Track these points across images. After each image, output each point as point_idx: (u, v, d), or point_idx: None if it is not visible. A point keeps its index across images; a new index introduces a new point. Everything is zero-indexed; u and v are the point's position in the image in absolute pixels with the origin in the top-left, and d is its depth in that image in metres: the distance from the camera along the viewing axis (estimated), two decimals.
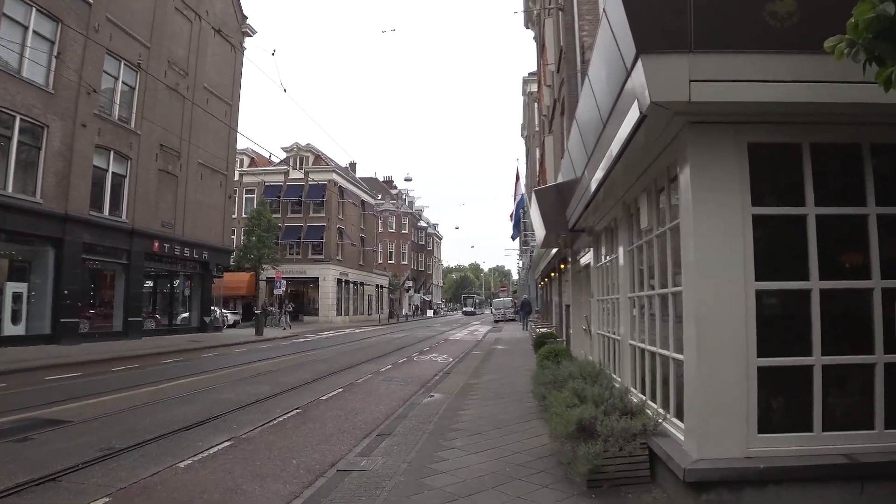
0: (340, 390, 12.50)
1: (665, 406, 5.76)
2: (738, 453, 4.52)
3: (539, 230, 12.67)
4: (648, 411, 6.00)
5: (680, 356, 5.18)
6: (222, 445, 7.76)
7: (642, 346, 6.72)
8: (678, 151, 5.01)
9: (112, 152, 25.00)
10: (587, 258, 12.02)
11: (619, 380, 7.83)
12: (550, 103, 21.65)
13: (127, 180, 26.03)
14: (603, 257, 9.59)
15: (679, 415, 5.31)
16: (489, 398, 10.81)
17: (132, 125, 26.15)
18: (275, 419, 9.40)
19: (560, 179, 11.01)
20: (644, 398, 6.45)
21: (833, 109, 4.40)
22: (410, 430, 8.36)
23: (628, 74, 4.53)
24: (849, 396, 4.78)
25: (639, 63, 4.25)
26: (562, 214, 10.86)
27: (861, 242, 4.74)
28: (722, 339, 4.58)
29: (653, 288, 6.25)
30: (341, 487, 5.90)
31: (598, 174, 6.61)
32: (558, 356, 10.30)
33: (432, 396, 11.28)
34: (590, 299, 11.77)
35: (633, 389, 7.06)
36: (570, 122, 14.66)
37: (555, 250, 17.14)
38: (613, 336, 8.63)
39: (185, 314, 31.80)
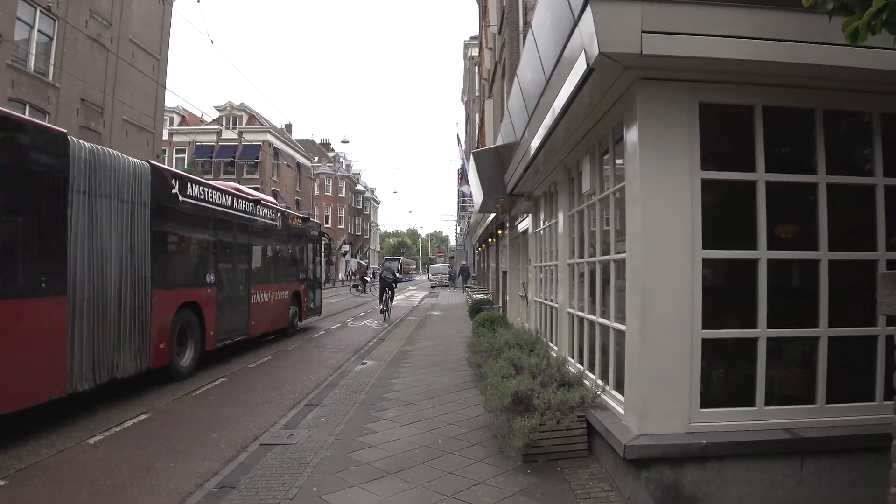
0: (270, 357, 12.03)
1: (604, 377, 5.55)
2: (680, 428, 4.33)
3: (477, 194, 12.35)
4: (587, 382, 5.80)
5: (621, 326, 4.95)
6: (139, 418, 7.26)
7: (581, 314, 6.50)
8: (626, 110, 4.69)
9: (28, 106, 23.10)
10: (525, 224, 11.79)
11: (557, 349, 7.64)
12: (491, 66, 21.22)
13: None
14: (542, 223, 9.34)
15: (619, 387, 5.10)
16: (423, 366, 10.53)
17: (50, 77, 24.32)
18: (197, 389, 8.89)
19: (500, 142, 10.67)
20: (582, 368, 6.25)
21: (790, 71, 4.14)
22: (340, 400, 8.00)
23: (575, 23, 4.17)
24: (792, 370, 4.64)
25: (588, 10, 3.89)
26: (500, 178, 10.56)
27: (810, 212, 4.56)
28: (666, 309, 4.34)
29: (594, 255, 6.00)
30: (263, 463, 5.52)
31: (539, 135, 6.29)
32: (494, 323, 10.07)
33: (365, 364, 10.93)
34: (527, 266, 11.57)
35: (570, 359, 6.86)
36: (511, 83, 14.30)
37: (493, 215, 16.90)
38: (551, 304, 8.43)
39: None
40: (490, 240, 22.00)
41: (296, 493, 4.76)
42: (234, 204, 12.34)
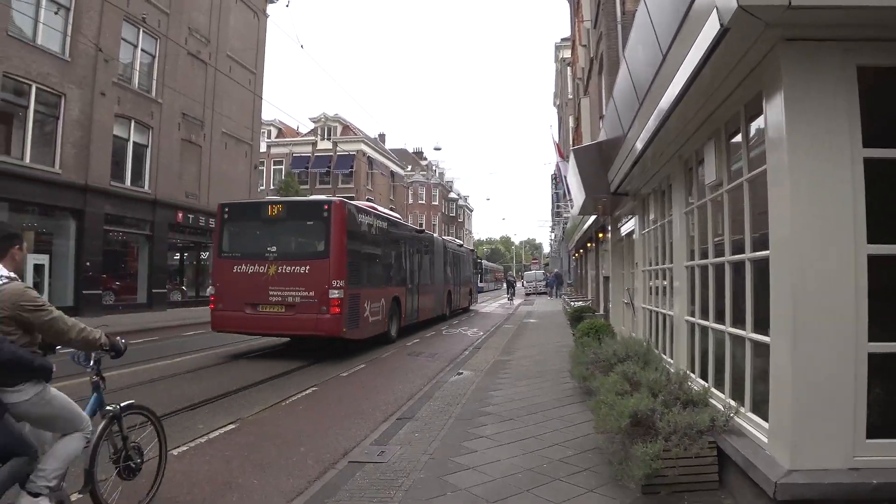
0: (363, 366, 11.72)
1: (737, 397, 4.75)
2: (842, 463, 3.54)
3: (577, 194, 11.64)
4: (714, 402, 5.04)
5: (761, 337, 4.18)
6: (225, 429, 7.01)
7: (704, 323, 5.70)
8: (766, 80, 3.95)
9: (133, 122, 24.38)
10: (629, 226, 10.98)
11: (672, 361, 6.86)
12: (586, 64, 20.41)
13: (149, 150, 25.43)
14: (650, 223, 8.56)
15: (758, 409, 4.32)
16: (522, 377, 9.90)
17: (153, 94, 25.46)
18: (288, 398, 8.64)
19: (602, 137, 9.94)
20: (706, 385, 5.45)
21: None
22: (435, 413, 7.50)
23: None
24: None
25: None
26: (603, 177, 9.83)
27: None
28: (823, 317, 3.57)
29: (721, 254, 5.21)
30: (351, 484, 5.07)
31: (652, 123, 5.59)
32: (599, 332, 9.32)
33: (460, 374, 10.42)
34: (632, 271, 10.74)
35: (691, 374, 6.06)
36: (609, 77, 13.53)
37: (592, 219, 16.09)
38: (663, 311, 7.64)
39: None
40: (589, 244, 21.09)
41: None
42: (459, 247, 30.29)
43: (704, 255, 5.73)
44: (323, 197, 15.84)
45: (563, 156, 26.15)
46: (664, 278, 7.62)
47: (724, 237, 5.09)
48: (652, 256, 8.53)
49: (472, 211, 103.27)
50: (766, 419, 4.09)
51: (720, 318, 5.23)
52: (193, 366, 11.42)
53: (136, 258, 25.88)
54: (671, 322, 7.10)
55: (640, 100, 6.12)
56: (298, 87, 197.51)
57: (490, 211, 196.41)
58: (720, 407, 4.76)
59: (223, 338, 16.53)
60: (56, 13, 20.53)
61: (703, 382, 5.62)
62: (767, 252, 4.02)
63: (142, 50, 24.92)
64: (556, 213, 46.90)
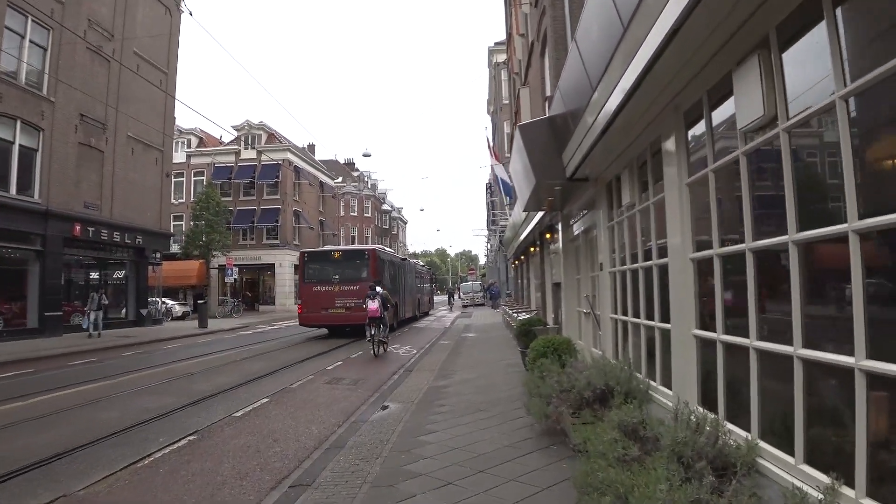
0: (265, 400, 9.42)
1: (828, 467, 2.83)
2: None
3: (523, 185, 9.75)
4: (769, 465, 3.16)
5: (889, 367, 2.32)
6: None
7: (739, 341, 3.80)
8: None
9: (19, 122, 21.17)
10: (586, 222, 9.20)
11: (671, 393, 4.98)
12: (524, 54, 18.83)
13: (39, 154, 22.16)
14: (622, 210, 6.75)
15: (885, 499, 2.45)
16: (463, 411, 7.87)
17: (44, 91, 22.36)
18: (149, 455, 6.32)
19: (556, 110, 8.09)
20: (749, 437, 3.54)
21: None
22: (344, 473, 5.41)
23: None
24: None
25: None
26: (556, 159, 8.00)
27: None
28: None
29: (780, 232, 3.30)
30: None
31: (653, 40, 3.72)
32: (559, 352, 7.37)
33: (386, 408, 8.34)
34: (592, 274, 8.92)
35: (701, 411, 4.15)
36: (554, 55, 11.79)
37: (535, 220, 14.29)
38: (649, 323, 5.78)
39: (122, 307, 28.10)
40: (532, 249, 19.32)
41: None
42: (421, 267, 41.69)
43: (738, 240, 3.86)
44: (366, 246, 35.33)
45: (498, 159, 24.49)
46: (648, 279, 5.78)
47: (785, 207, 3.20)
48: (626, 253, 6.70)
49: (406, 223, 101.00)
50: None
51: (781, 335, 3.33)
52: (52, 407, 8.92)
53: (23, 278, 22.58)
54: (665, 337, 5.23)
55: (623, 24, 4.26)
56: (222, 97, 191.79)
57: (424, 222, 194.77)
58: (803, 485, 2.86)
59: (111, 367, 14.05)
60: None
61: (740, 432, 3.71)
62: None
63: (31, 41, 21.81)
64: (492, 222, 45.41)
